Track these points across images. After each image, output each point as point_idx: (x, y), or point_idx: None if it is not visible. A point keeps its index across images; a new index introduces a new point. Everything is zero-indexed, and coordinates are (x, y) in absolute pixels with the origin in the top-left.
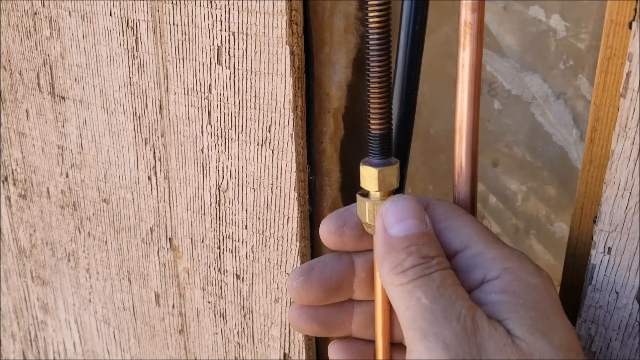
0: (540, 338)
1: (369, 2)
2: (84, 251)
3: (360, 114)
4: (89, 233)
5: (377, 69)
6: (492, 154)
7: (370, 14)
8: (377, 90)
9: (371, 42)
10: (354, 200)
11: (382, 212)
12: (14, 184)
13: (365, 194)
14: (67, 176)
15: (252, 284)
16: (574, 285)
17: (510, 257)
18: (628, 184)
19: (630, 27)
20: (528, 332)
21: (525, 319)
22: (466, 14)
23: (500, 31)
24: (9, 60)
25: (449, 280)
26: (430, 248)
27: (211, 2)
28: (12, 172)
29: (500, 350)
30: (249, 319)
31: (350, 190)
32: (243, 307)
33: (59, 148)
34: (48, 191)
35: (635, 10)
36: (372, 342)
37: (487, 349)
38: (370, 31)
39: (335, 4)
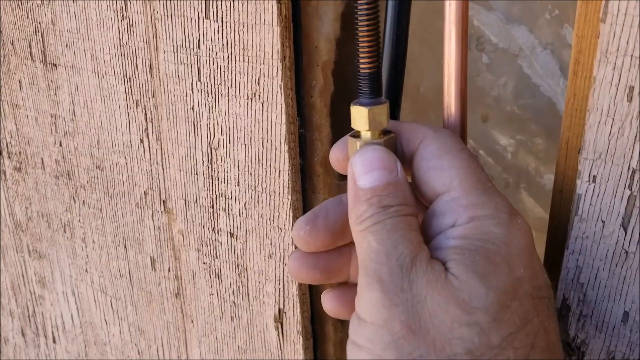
0: (474, 277)
1: None
2: (79, 220)
3: (350, 75)
4: (83, 201)
5: (366, 6)
6: (481, 109)
7: None
8: (366, 28)
9: None
10: None
11: (351, 162)
12: (9, 157)
13: (357, 135)
14: (60, 145)
15: (246, 241)
16: (561, 222)
17: (485, 206)
18: (611, 110)
19: None
20: (464, 271)
21: (467, 261)
22: None
23: None
24: (1, 32)
25: (401, 225)
26: (393, 197)
27: None
28: (7, 145)
29: (430, 284)
30: (244, 276)
31: None
32: (237, 265)
33: (52, 117)
34: (42, 162)
35: None
36: None
37: (419, 283)
38: None
39: None
